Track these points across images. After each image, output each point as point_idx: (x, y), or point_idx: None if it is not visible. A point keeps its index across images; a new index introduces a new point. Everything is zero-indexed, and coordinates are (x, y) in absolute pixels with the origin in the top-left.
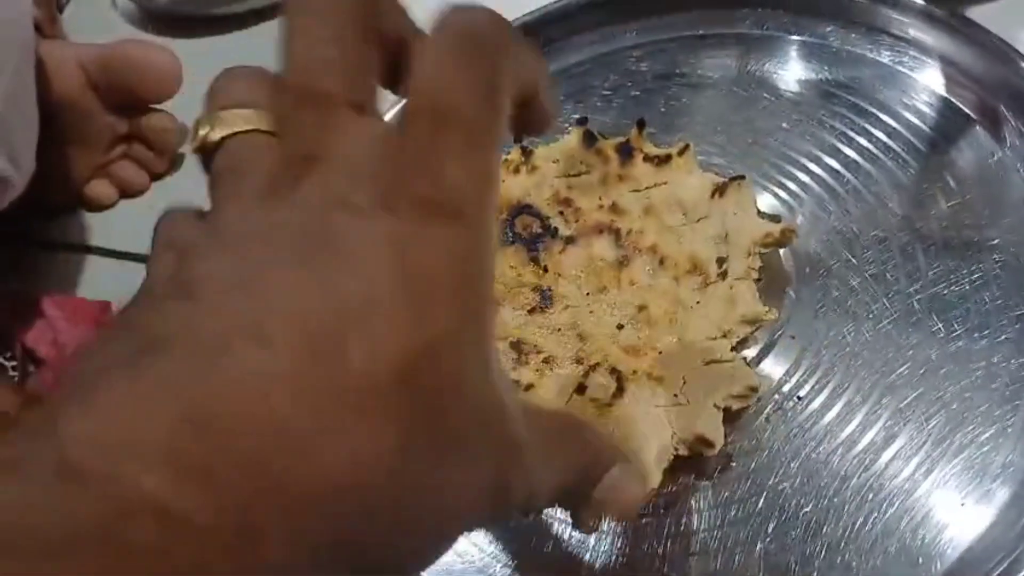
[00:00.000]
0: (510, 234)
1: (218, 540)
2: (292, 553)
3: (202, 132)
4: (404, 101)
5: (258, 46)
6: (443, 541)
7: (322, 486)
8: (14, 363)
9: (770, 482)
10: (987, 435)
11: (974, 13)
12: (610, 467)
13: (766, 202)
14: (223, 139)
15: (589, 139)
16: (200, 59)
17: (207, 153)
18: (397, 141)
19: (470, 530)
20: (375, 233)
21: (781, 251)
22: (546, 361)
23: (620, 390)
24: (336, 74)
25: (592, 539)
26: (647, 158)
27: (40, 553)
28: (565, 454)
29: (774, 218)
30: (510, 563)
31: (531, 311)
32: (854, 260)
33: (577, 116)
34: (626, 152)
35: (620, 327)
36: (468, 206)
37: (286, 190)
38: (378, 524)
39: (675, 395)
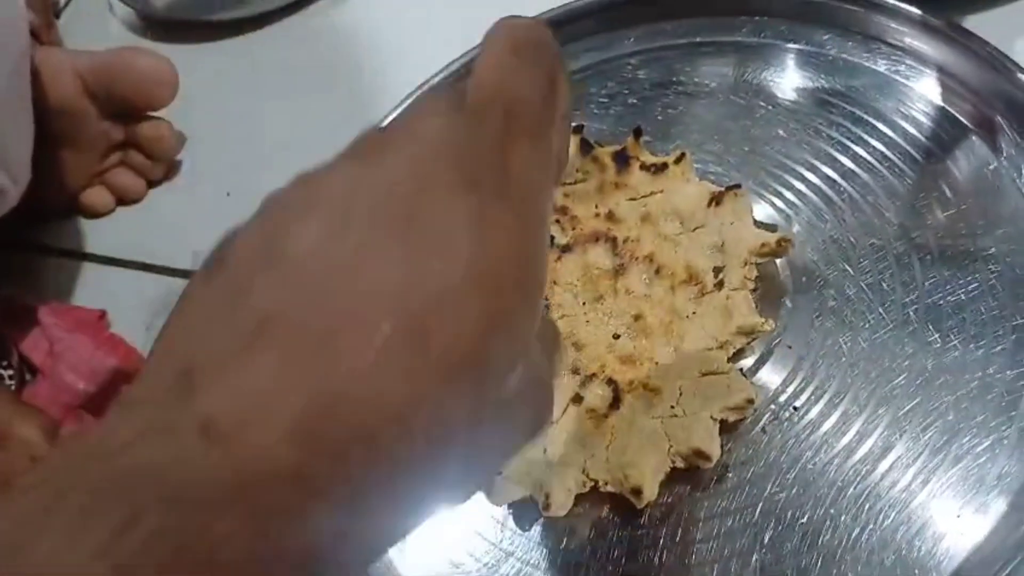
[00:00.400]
0: None
1: (342, 508)
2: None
3: None
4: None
5: (255, 53)
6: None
7: (426, 457)
8: (11, 372)
9: (767, 492)
10: (983, 446)
11: (970, 23)
12: None
13: (762, 211)
14: None
15: (586, 147)
16: (196, 66)
17: None
18: (474, 129)
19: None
20: (460, 213)
21: (777, 261)
22: None
23: (617, 401)
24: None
25: (588, 549)
26: (644, 166)
27: (187, 501)
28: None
29: (770, 228)
30: (506, 573)
31: None
32: (850, 270)
33: (574, 124)
34: (623, 160)
35: (616, 337)
36: (533, 193)
37: (378, 147)
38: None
39: (672, 406)
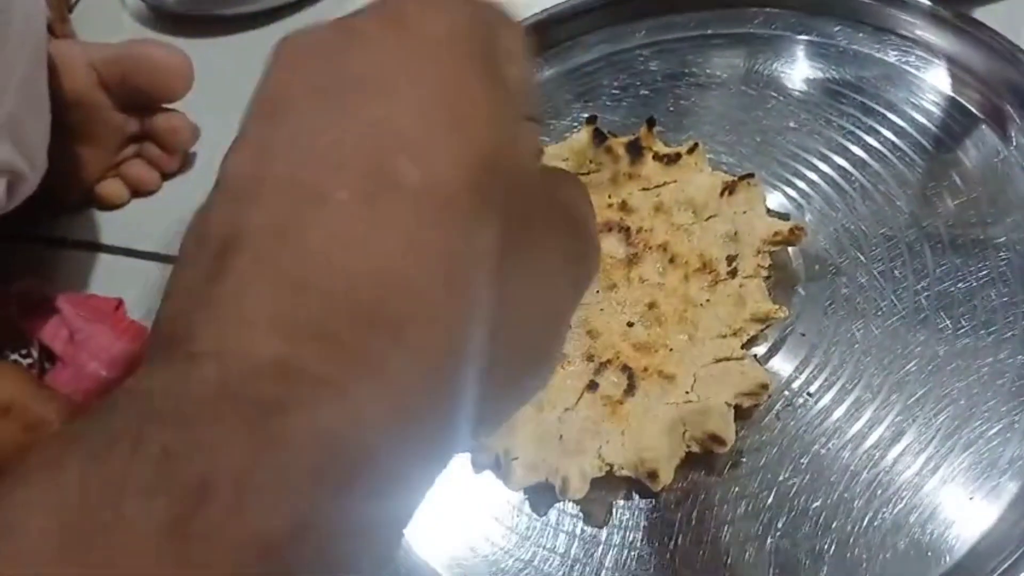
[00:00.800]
0: None
1: (336, 385)
2: (410, 379)
3: None
4: None
5: (267, 47)
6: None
7: (424, 310)
8: (30, 360)
9: (780, 478)
10: (994, 431)
11: (980, 13)
12: None
13: (775, 200)
14: None
15: (599, 137)
16: (210, 59)
17: None
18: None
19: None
20: (417, 62)
21: (790, 249)
22: None
23: (631, 388)
24: None
25: (604, 533)
26: (657, 157)
27: (178, 421)
28: None
29: (783, 216)
30: (522, 557)
31: None
32: (862, 258)
33: (586, 115)
34: (636, 150)
35: (630, 324)
36: (507, 42)
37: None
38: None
39: (686, 392)
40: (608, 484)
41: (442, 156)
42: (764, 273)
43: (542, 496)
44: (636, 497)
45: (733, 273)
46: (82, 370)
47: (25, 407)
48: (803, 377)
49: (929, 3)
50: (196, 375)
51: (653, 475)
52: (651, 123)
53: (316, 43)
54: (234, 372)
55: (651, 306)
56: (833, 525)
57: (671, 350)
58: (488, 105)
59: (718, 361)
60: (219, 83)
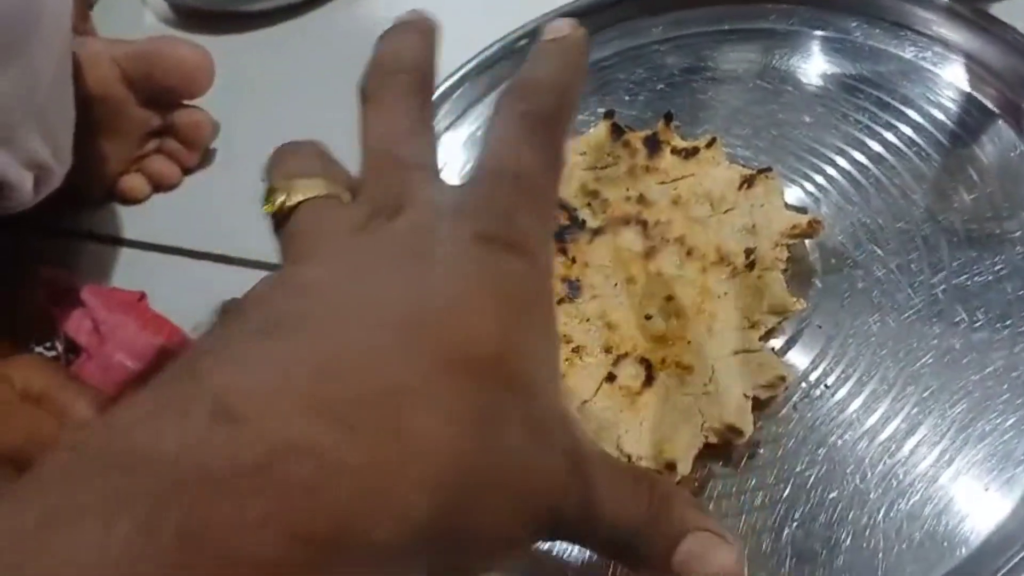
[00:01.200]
0: None
1: (362, 479)
2: (416, 499)
3: (279, 199)
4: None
5: (286, 43)
6: (517, 529)
7: (431, 439)
8: (54, 352)
9: (797, 469)
10: (1009, 422)
11: (997, 9)
12: (686, 532)
13: (792, 194)
14: (298, 204)
15: (617, 131)
16: (229, 56)
17: (281, 217)
18: (482, 192)
19: (527, 536)
20: (466, 255)
21: (807, 242)
22: (575, 351)
23: (649, 379)
24: (410, 144)
25: None
26: (675, 151)
27: (210, 488)
28: (633, 492)
29: (800, 210)
30: (540, 546)
31: (560, 301)
32: (879, 251)
33: (603, 110)
34: (653, 144)
35: (648, 317)
36: (538, 247)
37: (378, 225)
38: (471, 489)
39: (704, 384)
40: None
41: (483, 332)
42: (782, 266)
43: None
44: None
45: (751, 266)
46: (108, 361)
47: (56, 398)
48: (820, 369)
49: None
50: (229, 439)
51: (671, 466)
52: (668, 117)
53: (411, 219)
54: (270, 447)
55: (669, 299)
56: (849, 516)
57: (689, 342)
58: None
59: (736, 353)
60: (239, 79)
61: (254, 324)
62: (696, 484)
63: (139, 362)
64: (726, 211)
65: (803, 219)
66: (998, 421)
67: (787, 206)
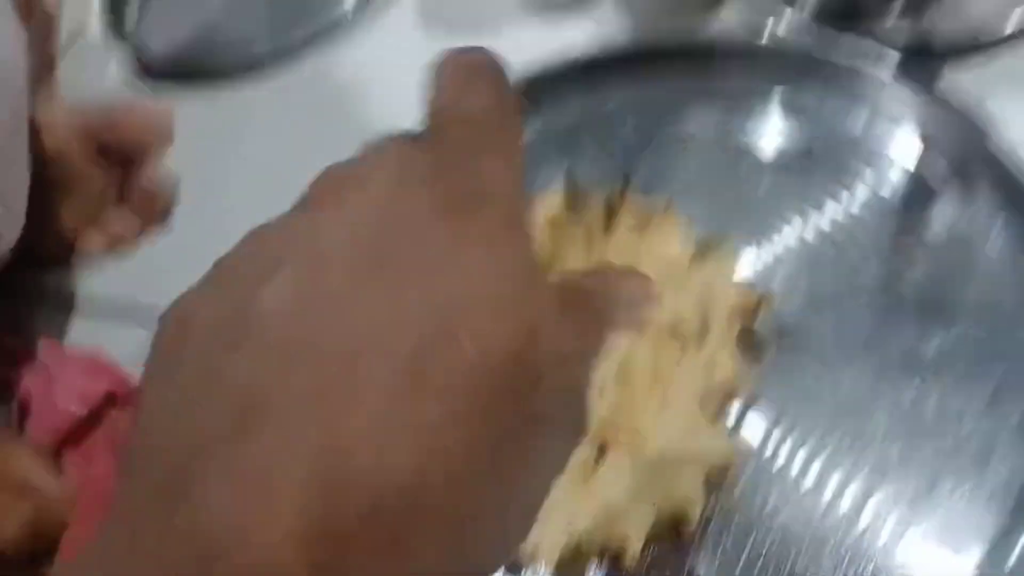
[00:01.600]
0: None
1: None
2: None
3: None
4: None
5: (253, 99)
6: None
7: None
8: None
9: (750, 544)
10: (962, 492)
11: (946, 82)
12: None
13: (746, 261)
14: None
15: (572, 196)
16: (195, 110)
17: None
18: (437, 151)
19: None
20: (439, 243)
21: (759, 314)
22: None
23: (602, 454)
24: None
25: None
26: (630, 218)
27: None
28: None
29: (752, 282)
30: None
31: None
32: (831, 321)
33: (563, 171)
34: (610, 209)
35: (600, 392)
36: (514, 208)
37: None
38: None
39: (656, 461)
40: (577, 553)
41: (498, 335)
42: (733, 341)
43: (510, 568)
44: (605, 566)
45: (703, 340)
46: (53, 407)
47: (36, 488)
48: (772, 444)
49: (899, 75)
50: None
51: (621, 551)
52: (626, 181)
53: (363, 200)
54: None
55: (620, 374)
56: None
57: (641, 416)
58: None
59: (688, 429)
60: (203, 135)
61: (223, 409)
62: (648, 560)
63: (83, 407)
64: (679, 284)
65: (754, 295)
66: (951, 491)
67: (739, 279)
